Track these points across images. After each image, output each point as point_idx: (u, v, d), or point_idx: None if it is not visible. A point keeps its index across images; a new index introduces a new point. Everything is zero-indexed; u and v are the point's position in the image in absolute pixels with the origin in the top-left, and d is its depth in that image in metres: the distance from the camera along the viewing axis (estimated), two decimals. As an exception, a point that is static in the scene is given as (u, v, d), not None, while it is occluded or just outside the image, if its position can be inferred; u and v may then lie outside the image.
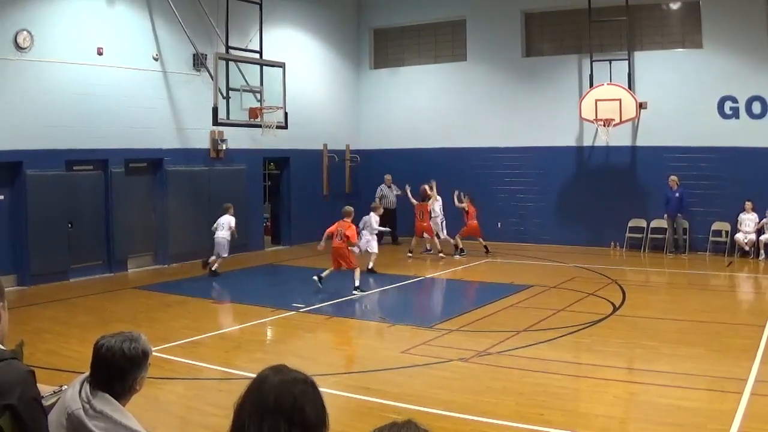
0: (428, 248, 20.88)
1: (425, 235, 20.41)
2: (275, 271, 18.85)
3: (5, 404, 2.81)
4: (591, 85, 20.69)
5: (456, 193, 20.69)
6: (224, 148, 20.05)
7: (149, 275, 17.59)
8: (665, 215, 20.10)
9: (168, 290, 15.50)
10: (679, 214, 19.77)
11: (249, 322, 12.58)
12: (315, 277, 15.15)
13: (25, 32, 15.51)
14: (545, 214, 21.79)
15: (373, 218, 17.39)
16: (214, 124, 17.75)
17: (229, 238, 16.97)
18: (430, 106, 23.88)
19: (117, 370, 3.32)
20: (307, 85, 22.67)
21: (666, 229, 20.24)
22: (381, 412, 7.88)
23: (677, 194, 19.61)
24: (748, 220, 19.09)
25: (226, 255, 17.07)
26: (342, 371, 9.68)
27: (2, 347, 3.08)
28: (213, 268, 17.00)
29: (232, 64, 17.84)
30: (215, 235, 16.97)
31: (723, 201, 19.43)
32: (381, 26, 25.41)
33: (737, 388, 8.37)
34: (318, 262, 16.91)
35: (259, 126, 18.36)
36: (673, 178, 19.68)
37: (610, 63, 20.65)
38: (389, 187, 22.94)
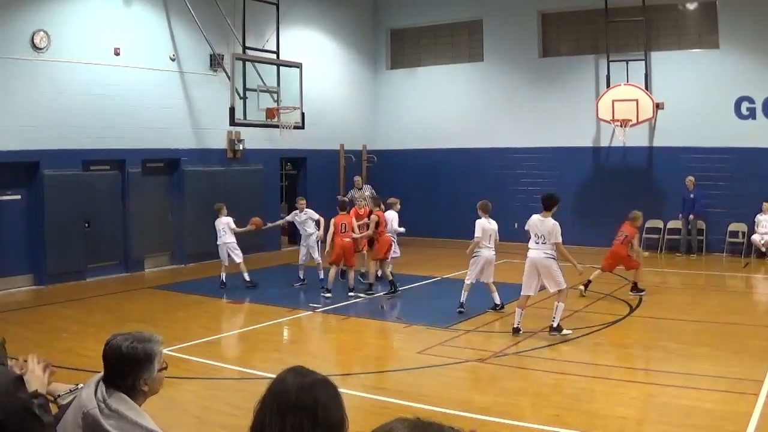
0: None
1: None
2: (292, 271, 18.84)
3: None
4: (608, 85, 20.63)
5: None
6: (241, 148, 20.11)
7: (166, 275, 17.67)
8: (680, 215, 20.01)
9: (185, 290, 15.57)
10: (691, 215, 19.66)
11: (266, 322, 12.60)
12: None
13: (42, 32, 15.62)
14: (562, 214, 21.22)
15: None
16: (231, 125, 17.79)
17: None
18: (446, 106, 23.86)
19: (117, 369, 3.25)
20: (324, 86, 22.70)
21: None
22: (398, 412, 7.80)
23: (692, 195, 19.52)
24: (765, 221, 18.95)
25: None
26: (359, 371, 9.67)
27: None
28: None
29: (249, 64, 17.85)
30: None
31: (740, 202, 19.30)
32: (398, 27, 25.41)
33: (754, 390, 8.32)
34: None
35: (276, 126, 18.39)
36: (690, 178, 19.59)
37: (627, 63, 20.57)
38: (359, 189, 18.89)
